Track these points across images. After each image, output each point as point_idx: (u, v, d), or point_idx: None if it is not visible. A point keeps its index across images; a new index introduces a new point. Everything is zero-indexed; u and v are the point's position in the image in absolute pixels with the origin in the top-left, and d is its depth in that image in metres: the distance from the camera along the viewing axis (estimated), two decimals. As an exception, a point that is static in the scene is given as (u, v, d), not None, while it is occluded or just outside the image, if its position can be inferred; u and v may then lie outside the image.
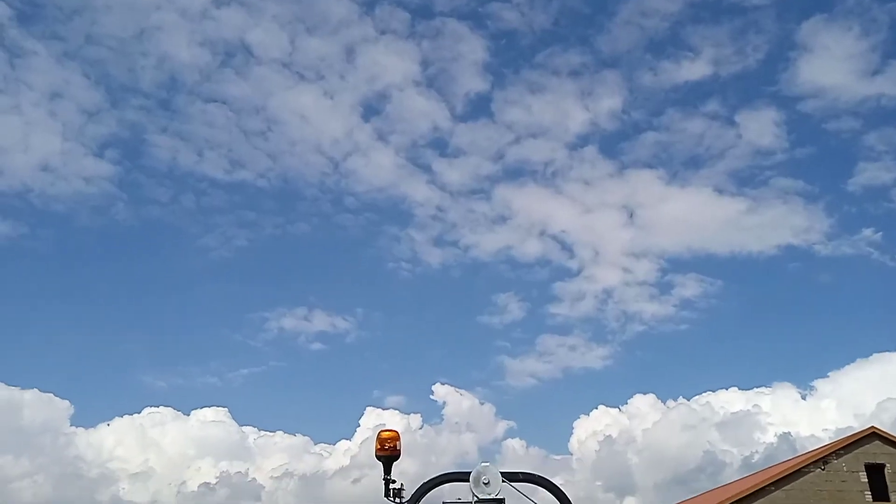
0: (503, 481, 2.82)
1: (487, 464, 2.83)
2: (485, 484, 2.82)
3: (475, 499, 2.80)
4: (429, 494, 3.92)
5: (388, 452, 4.37)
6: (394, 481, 4.81)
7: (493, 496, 2.79)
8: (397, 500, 4.76)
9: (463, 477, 3.03)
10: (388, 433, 4.36)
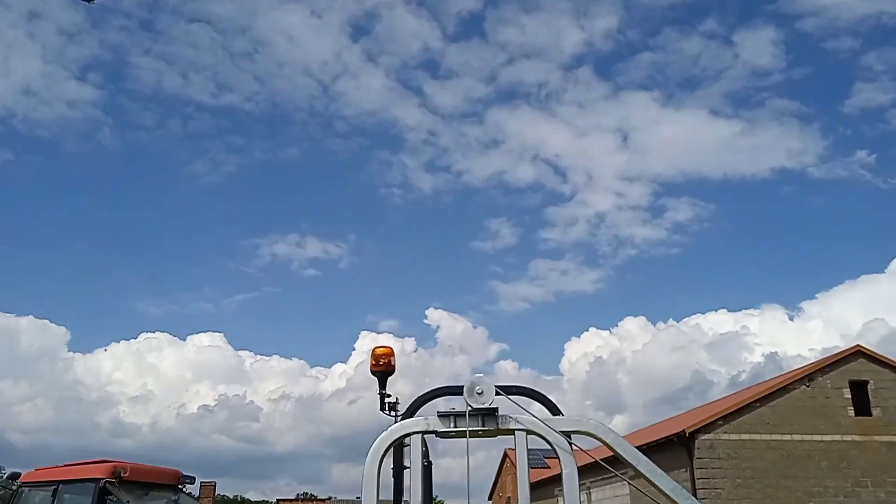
0: (497, 393, 2.85)
1: (481, 375, 2.85)
2: (478, 394, 2.85)
3: (469, 408, 2.83)
4: (423, 407, 3.97)
5: (382, 368, 4.42)
6: (389, 395, 4.91)
7: (486, 405, 2.82)
8: (392, 413, 4.88)
9: (457, 390, 3.06)
10: (382, 349, 4.40)
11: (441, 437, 2.94)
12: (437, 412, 2.98)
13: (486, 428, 2.81)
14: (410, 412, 4.17)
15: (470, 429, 2.81)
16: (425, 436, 3.08)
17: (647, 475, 2.85)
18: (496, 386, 2.87)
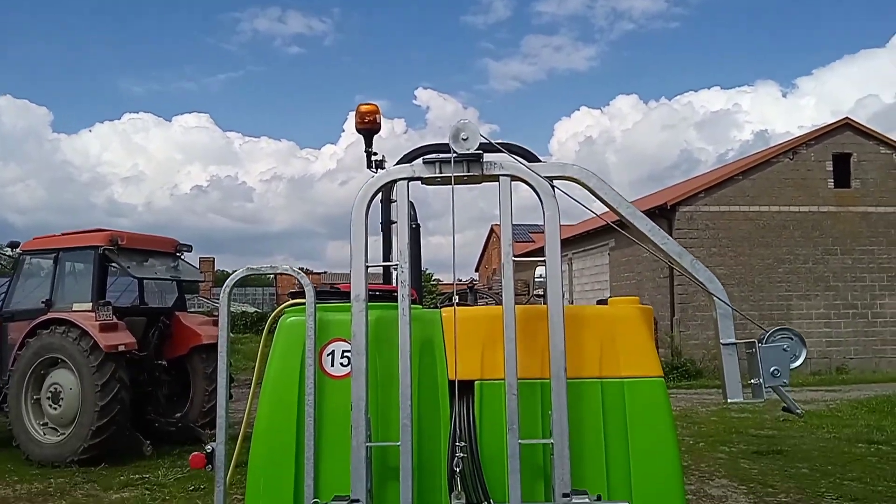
0: (482, 140, 2.81)
1: (466, 120, 2.80)
2: (463, 140, 2.81)
3: (454, 154, 2.81)
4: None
5: (368, 126, 4.33)
6: (375, 154, 4.89)
7: (471, 150, 2.80)
8: (379, 170, 4.89)
9: (444, 147, 3.02)
10: (367, 106, 4.29)
11: (427, 185, 2.94)
12: (423, 159, 2.96)
13: (471, 174, 2.81)
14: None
15: (455, 174, 2.80)
16: (413, 203, 3.12)
17: (628, 217, 2.91)
18: (481, 143, 2.83)
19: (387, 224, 4.60)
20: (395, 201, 3.53)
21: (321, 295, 3.03)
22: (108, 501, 7.62)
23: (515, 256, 2.77)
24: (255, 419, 2.90)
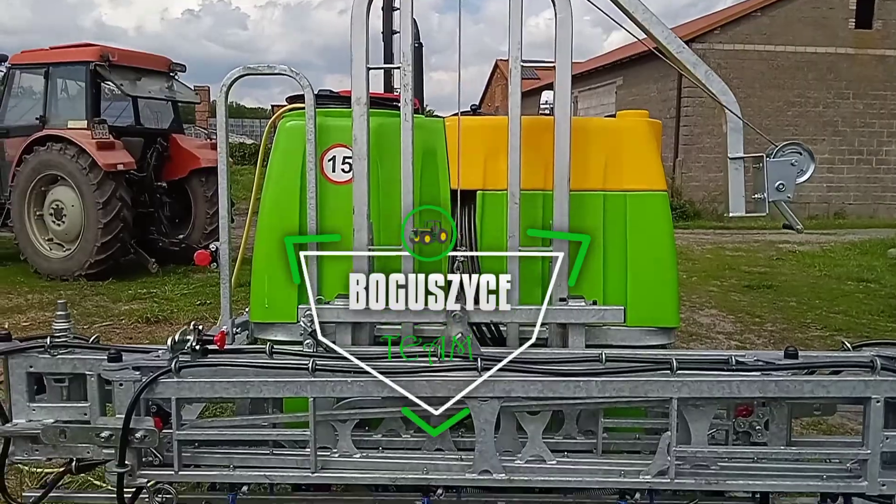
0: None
1: None
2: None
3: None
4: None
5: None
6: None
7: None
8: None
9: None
10: None
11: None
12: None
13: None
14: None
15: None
16: (416, 21, 2.93)
17: (644, 23, 2.75)
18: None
19: (388, 34, 4.42)
20: (399, 9, 3.33)
21: (321, 100, 2.93)
22: (117, 312, 7.90)
23: (524, 61, 2.64)
24: (258, 219, 2.90)
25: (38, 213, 9.94)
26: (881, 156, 22.04)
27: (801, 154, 2.68)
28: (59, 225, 9.83)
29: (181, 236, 10.86)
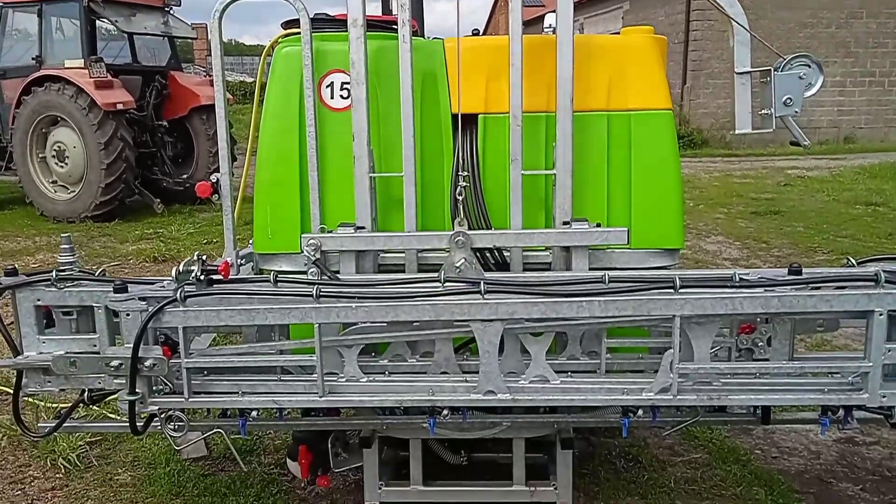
0: None
1: None
2: None
3: None
4: None
5: None
6: None
7: None
8: None
9: None
10: None
11: None
12: None
13: None
14: None
15: None
16: None
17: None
18: None
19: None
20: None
21: (317, 24, 2.86)
22: (125, 251, 7.96)
23: (524, -22, 2.55)
24: (258, 149, 2.87)
25: (40, 155, 9.90)
26: (894, 77, 21.56)
27: (809, 67, 2.61)
28: (62, 167, 9.80)
29: (184, 176, 10.82)
